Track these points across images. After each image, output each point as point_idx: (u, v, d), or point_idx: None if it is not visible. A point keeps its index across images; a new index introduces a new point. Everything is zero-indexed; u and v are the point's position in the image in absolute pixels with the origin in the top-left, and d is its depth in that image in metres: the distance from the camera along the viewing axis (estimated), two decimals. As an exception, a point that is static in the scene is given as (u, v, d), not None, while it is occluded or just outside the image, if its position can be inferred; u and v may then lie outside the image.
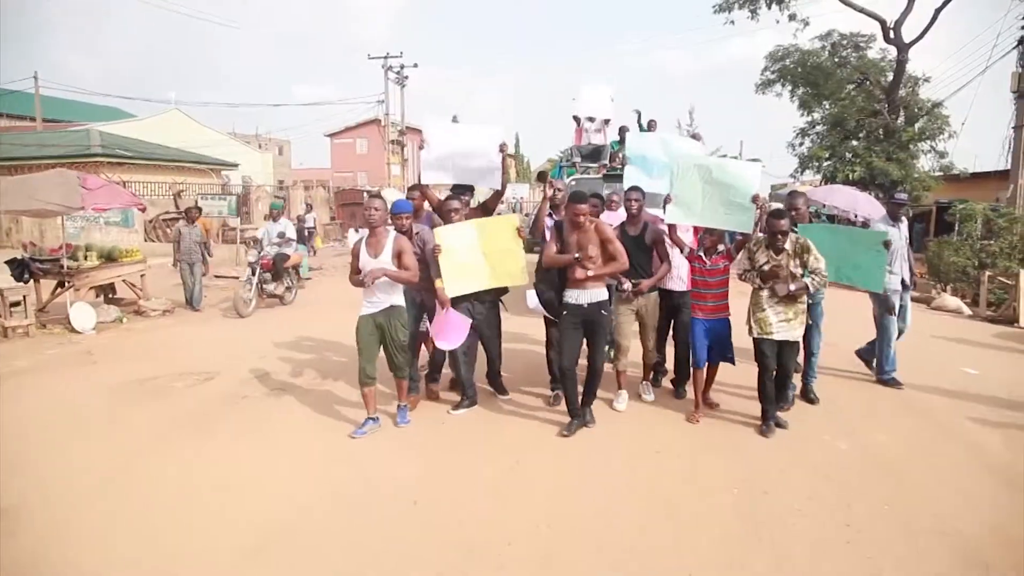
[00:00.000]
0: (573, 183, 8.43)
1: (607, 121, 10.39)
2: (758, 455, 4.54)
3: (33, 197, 7.86)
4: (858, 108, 20.59)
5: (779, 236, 4.67)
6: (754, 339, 4.92)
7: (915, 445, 4.77)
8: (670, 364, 6.06)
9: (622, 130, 10.30)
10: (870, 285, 5.57)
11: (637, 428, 5.05)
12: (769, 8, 20.92)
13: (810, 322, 5.42)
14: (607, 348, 5.24)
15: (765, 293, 4.79)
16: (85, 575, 3.06)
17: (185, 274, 10.20)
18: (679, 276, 5.52)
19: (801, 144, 22.41)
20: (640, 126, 10.80)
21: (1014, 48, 12.03)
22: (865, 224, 8.47)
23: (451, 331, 5.09)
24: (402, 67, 30.88)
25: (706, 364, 5.15)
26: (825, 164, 20.91)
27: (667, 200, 5.21)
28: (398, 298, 4.77)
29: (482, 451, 4.60)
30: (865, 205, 12.60)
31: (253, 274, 9.96)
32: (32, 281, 8.68)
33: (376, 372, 4.83)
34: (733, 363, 5.26)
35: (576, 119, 10.49)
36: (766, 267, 4.78)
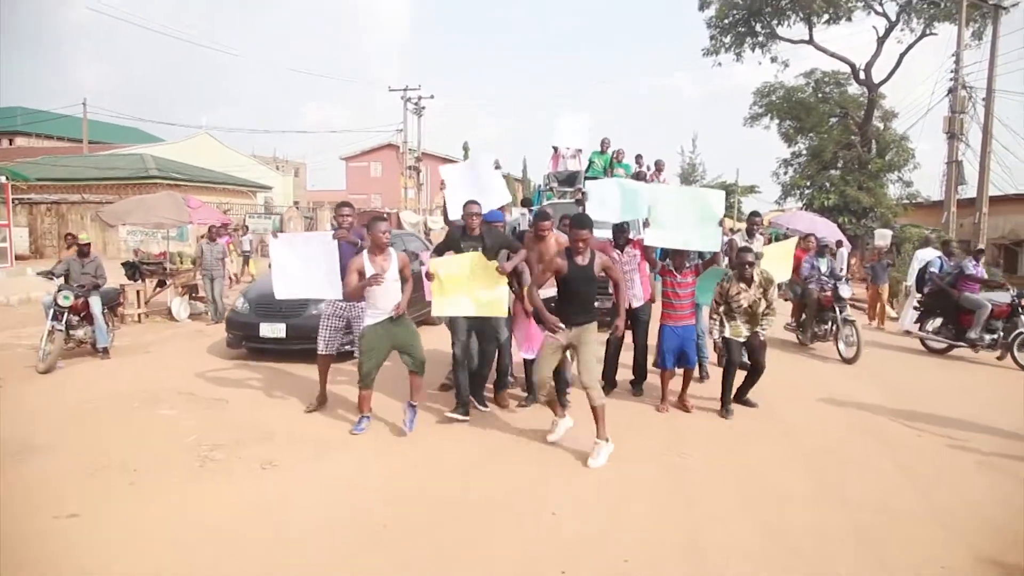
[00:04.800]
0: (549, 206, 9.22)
1: (580, 150, 11.08)
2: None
3: (152, 213, 9.94)
4: (835, 141, 22.80)
5: (747, 266, 5.56)
6: (724, 339, 5.76)
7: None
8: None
9: (604, 142, 11.59)
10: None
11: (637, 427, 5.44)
12: (753, 52, 23.30)
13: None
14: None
15: (738, 311, 5.68)
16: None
17: (207, 288, 10.61)
18: (635, 294, 6.09)
19: (785, 173, 24.60)
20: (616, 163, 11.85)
21: (945, 97, 14.21)
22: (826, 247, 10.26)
23: (534, 340, 5.51)
24: (419, 98, 33.34)
25: (674, 367, 5.84)
26: (805, 192, 23.05)
27: (645, 224, 5.79)
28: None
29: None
30: (823, 228, 14.65)
31: None
32: (141, 279, 10.68)
33: (375, 376, 5.23)
34: (692, 366, 5.89)
35: (555, 147, 11.23)
36: (739, 297, 5.63)
